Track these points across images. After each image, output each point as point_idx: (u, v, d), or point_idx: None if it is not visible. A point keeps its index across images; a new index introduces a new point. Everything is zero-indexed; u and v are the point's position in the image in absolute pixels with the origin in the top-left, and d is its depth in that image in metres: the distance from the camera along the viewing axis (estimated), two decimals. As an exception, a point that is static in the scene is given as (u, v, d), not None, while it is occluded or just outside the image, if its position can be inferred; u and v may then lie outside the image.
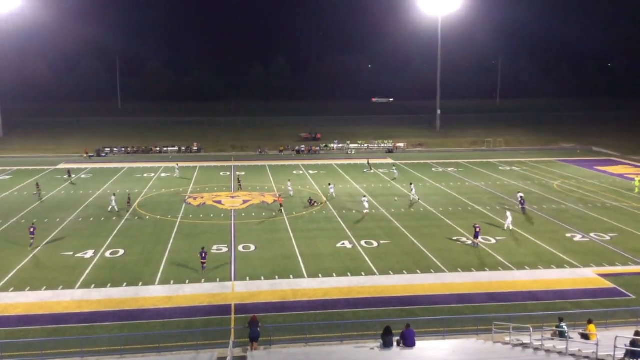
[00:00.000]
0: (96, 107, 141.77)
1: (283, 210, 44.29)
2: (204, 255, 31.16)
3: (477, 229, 35.57)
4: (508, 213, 40.32)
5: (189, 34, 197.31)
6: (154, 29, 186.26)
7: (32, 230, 35.74)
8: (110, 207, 44.55)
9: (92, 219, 42.39)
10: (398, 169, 62.82)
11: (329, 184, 51.86)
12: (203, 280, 29.72)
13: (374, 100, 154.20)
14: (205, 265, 31.10)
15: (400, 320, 23.55)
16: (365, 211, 43.85)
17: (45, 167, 65.15)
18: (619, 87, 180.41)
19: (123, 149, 77.97)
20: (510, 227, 39.18)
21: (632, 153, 75.67)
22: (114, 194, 46.60)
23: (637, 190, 51.80)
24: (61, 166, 66.39)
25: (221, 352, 21.64)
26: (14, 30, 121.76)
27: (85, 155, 73.69)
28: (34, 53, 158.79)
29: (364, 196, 46.35)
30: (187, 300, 27.40)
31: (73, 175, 58.61)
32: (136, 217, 42.86)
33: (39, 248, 35.07)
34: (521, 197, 45.69)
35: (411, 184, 51.47)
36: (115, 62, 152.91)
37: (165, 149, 79.26)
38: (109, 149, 77.18)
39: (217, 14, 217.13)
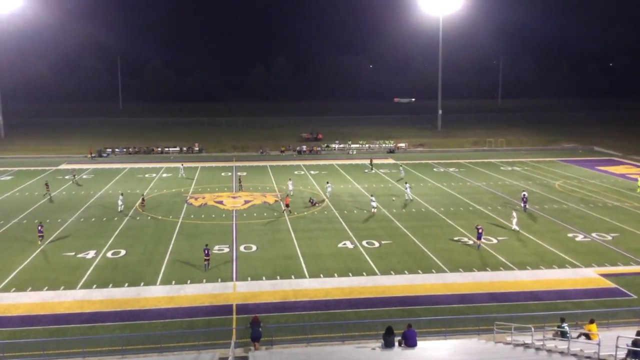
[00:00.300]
0: (97, 107, 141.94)
1: (290, 209, 44.28)
2: (207, 252, 31.45)
3: (480, 230, 35.47)
4: (514, 213, 40.13)
5: (189, 35, 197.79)
6: (155, 29, 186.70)
7: (39, 228, 36.32)
8: (119, 208, 44.72)
9: (93, 219, 42.43)
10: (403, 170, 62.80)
11: (327, 182, 52.03)
12: (204, 281, 29.74)
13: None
14: (208, 263, 31.31)
15: (402, 320, 23.54)
16: (373, 210, 44.14)
17: (47, 168, 65.24)
18: (620, 87, 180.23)
19: (124, 150, 78.05)
20: (514, 227, 39.00)
21: (633, 153, 75.61)
22: (122, 194, 46.83)
23: (639, 189, 51.74)
24: (62, 167, 66.47)
25: (223, 352, 21.65)
26: (15, 31, 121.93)
27: (89, 156, 74.00)
28: (35, 54, 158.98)
29: (372, 195, 46.49)
30: (189, 300, 27.41)
31: (76, 176, 58.58)
32: (137, 217, 42.89)
33: (41, 248, 35.11)
34: (524, 195, 45.88)
35: (406, 182, 51.66)
36: (116, 62, 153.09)
37: (166, 149, 79.34)
38: (110, 150, 77.28)
39: (218, 14, 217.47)
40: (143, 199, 46.62)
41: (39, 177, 59.13)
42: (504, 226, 40.02)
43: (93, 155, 74.47)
